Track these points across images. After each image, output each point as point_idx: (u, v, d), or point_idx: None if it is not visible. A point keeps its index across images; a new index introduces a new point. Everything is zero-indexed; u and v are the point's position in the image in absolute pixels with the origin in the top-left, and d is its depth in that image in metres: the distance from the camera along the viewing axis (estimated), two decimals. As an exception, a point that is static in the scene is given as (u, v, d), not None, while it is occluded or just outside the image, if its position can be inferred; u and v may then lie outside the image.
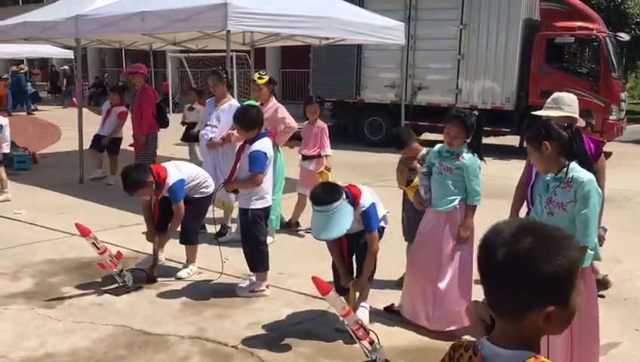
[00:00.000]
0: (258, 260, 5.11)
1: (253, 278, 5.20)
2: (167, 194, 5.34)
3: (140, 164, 6.15)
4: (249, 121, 4.95)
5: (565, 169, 3.18)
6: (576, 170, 3.18)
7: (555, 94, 4.27)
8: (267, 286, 5.16)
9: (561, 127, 3.26)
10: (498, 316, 1.35)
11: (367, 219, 4.26)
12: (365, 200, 4.28)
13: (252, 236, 5.04)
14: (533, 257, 1.26)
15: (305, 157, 7.06)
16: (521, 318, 1.29)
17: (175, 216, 5.34)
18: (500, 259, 1.28)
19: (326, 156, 7.00)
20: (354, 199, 4.22)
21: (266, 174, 5.01)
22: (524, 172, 4.46)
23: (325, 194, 4.06)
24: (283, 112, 6.69)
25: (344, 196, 4.10)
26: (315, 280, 3.65)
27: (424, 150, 5.08)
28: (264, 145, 4.96)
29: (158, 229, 5.53)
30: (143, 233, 5.85)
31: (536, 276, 1.26)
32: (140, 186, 5.17)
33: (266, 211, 5.13)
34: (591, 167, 3.27)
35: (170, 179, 5.26)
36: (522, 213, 4.40)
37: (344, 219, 4.06)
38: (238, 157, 5.11)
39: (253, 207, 5.00)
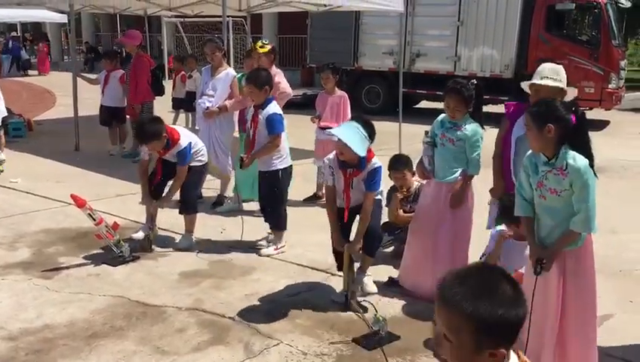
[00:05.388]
0: (282, 218, 5.37)
1: (271, 236, 5.41)
2: (171, 158, 5.36)
3: (156, 116, 5.96)
4: (262, 80, 5.15)
5: (558, 155, 3.06)
6: (569, 155, 3.05)
7: (541, 66, 4.02)
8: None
9: (569, 110, 3.11)
10: None
11: (373, 177, 4.28)
12: (377, 162, 4.34)
13: (278, 195, 5.28)
14: None
15: (324, 129, 6.63)
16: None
17: (178, 176, 5.37)
18: None
19: None
20: (368, 153, 4.24)
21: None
22: (498, 143, 4.35)
23: (365, 120, 4.30)
24: (280, 77, 6.59)
25: (368, 141, 4.20)
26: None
27: (416, 184, 5.16)
28: (276, 107, 5.23)
29: (153, 195, 5.51)
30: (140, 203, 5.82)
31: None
32: (156, 137, 5.18)
33: (289, 170, 5.34)
34: (590, 157, 3.11)
35: (183, 142, 5.31)
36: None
37: (360, 140, 4.13)
38: (254, 127, 5.20)
39: (280, 167, 5.23)
